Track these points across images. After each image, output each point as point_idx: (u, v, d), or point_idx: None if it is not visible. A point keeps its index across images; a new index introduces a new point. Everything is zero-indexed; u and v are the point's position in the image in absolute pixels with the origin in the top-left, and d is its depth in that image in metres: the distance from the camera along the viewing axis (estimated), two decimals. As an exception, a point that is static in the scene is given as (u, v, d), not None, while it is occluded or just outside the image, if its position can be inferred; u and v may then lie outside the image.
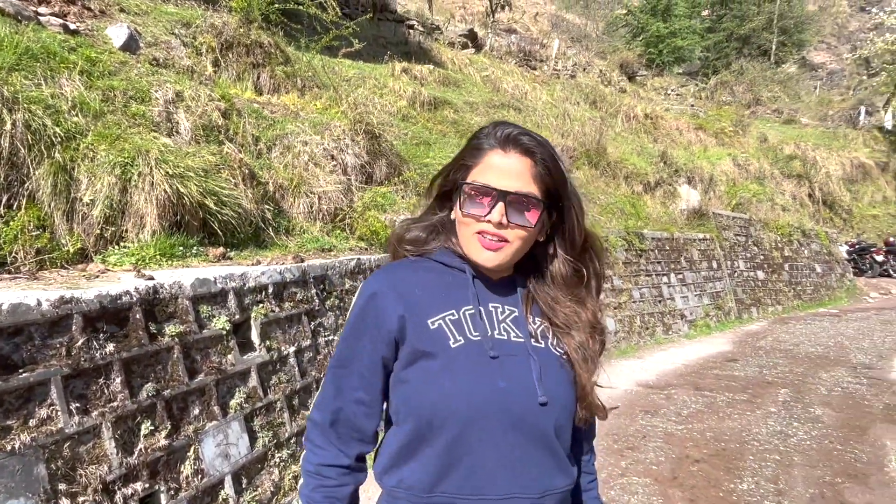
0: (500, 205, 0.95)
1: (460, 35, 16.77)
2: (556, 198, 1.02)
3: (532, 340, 1.00)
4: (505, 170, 0.97)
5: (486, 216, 0.96)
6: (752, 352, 7.64)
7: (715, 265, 9.87)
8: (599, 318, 1.07)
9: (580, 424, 1.05)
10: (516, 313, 1.03)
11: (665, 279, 8.57)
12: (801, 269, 12.19)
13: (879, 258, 14.86)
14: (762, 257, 11.23)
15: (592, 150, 10.35)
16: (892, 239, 15.60)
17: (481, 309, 1.00)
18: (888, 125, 21.19)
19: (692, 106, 20.63)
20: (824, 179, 16.38)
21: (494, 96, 11.81)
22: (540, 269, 1.07)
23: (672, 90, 22.65)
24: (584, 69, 19.20)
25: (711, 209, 10.79)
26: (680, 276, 8.89)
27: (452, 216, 1.05)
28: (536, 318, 1.05)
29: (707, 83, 23.59)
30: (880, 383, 6.05)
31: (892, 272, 14.91)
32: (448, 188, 1.07)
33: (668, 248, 8.87)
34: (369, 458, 1.05)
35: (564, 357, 1.02)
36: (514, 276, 1.07)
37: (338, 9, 6.28)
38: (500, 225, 0.95)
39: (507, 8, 24.53)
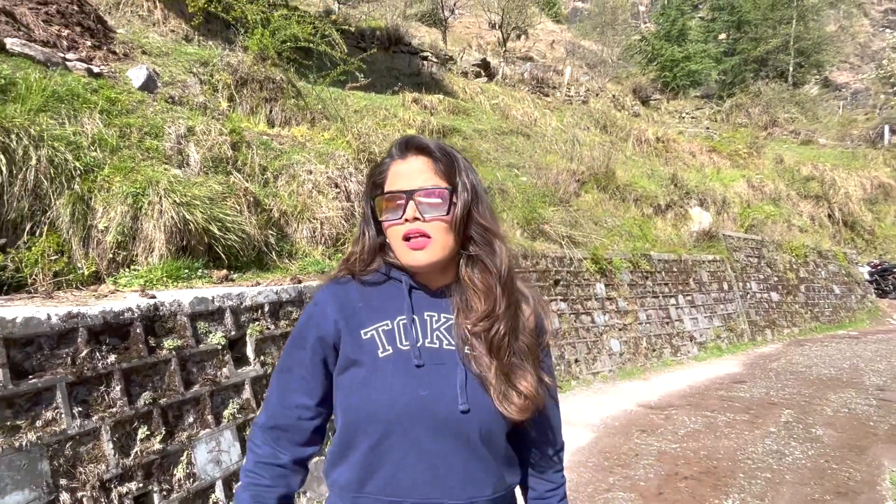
0: (411, 203, 1.00)
1: (473, 65, 17.24)
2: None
3: (466, 347, 1.02)
4: (408, 172, 1.03)
5: (401, 217, 1.01)
6: (762, 374, 7.57)
7: (726, 287, 9.83)
8: (500, 307, 1.02)
9: (525, 426, 1.06)
10: (452, 321, 1.05)
11: (673, 301, 8.58)
12: (818, 290, 12.00)
13: (904, 279, 14.51)
14: (776, 279, 11.12)
15: (601, 174, 10.49)
16: (917, 259, 15.23)
17: (415, 318, 1.04)
18: (912, 144, 20.84)
19: (707, 128, 20.67)
20: (844, 200, 16.15)
21: (503, 123, 12.10)
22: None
23: (687, 113, 22.73)
24: (597, 94, 19.45)
25: (721, 231, 10.77)
26: (688, 298, 8.88)
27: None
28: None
29: (722, 105, 23.61)
30: (889, 405, 5.96)
31: (917, 293, 14.52)
32: (371, 210, 1.11)
33: (675, 269, 8.90)
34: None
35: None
36: (452, 284, 1.07)
37: (345, 46, 6.62)
38: (415, 220, 1.00)
39: (522, 37, 25.10)
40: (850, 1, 42.11)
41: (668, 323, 8.31)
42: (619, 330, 7.44)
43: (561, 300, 6.83)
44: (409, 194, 1.01)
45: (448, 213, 1.01)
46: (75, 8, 5.07)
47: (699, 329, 8.85)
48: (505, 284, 1.05)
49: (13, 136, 3.19)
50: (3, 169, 3.07)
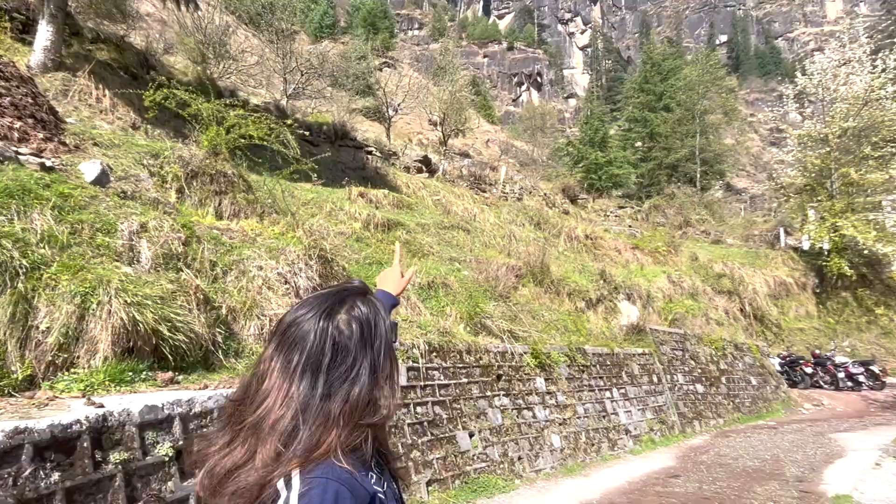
0: None
1: (415, 160, 18.15)
2: None
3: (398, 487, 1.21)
4: None
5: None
6: (694, 467, 7.84)
7: (655, 379, 10.31)
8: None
9: None
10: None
11: (608, 394, 8.89)
12: (737, 381, 12.80)
13: (809, 370, 15.75)
14: (700, 371, 11.79)
15: (537, 269, 11.06)
16: (818, 351, 16.67)
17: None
18: (804, 246, 23.45)
19: (630, 226, 22.43)
20: (752, 296, 17.69)
21: (445, 218, 12.65)
22: None
23: (611, 212, 24.66)
24: (530, 192, 20.83)
25: (648, 325, 11.45)
26: (622, 391, 9.23)
27: None
28: None
29: (642, 206, 25.83)
30: (809, 496, 6.32)
31: (822, 383, 15.74)
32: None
33: (609, 363, 9.30)
34: None
35: None
36: None
37: (297, 147, 6.90)
38: None
39: (461, 135, 26.79)
40: (742, 120, 48.38)
41: (604, 416, 8.54)
42: (560, 425, 7.57)
43: (504, 395, 6.94)
44: None
45: None
46: (29, 100, 5.09)
47: (633, 422, 9.13)
48: None
49: (-42, 233, 3.10)
50: (-56, 267, 2.95)
